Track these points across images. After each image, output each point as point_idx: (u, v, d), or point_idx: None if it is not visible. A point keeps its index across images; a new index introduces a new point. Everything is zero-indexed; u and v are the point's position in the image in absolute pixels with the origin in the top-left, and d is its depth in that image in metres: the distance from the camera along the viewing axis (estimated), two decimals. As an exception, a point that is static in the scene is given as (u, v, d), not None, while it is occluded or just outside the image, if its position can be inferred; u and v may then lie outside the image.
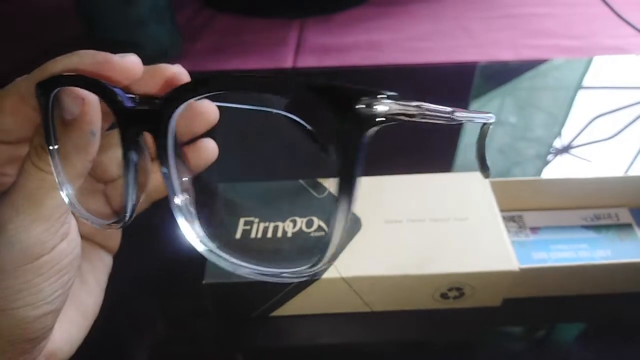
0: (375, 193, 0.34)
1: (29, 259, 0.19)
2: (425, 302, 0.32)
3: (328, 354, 0.32)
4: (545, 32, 0.56)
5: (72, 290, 0.24)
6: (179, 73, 0.22)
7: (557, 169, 0.46)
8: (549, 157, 0.47)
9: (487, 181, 0.35)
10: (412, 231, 0.32)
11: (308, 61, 0.53)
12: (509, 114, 0.50)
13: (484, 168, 0.26)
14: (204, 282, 0.30)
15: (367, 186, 0.35)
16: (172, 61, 0.52)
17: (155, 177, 0.27)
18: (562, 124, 0.50)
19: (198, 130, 0.23)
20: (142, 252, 0.35)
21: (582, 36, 0.55)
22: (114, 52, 0.21)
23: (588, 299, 0.33)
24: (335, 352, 0.32)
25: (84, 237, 0.26)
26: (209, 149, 0.26)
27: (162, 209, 0.29)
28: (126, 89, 0.22)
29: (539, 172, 0.45)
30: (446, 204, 0.33)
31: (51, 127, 0.19)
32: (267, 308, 0.32)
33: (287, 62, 0.53)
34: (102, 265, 0.27)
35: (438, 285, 0.31)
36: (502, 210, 0.37)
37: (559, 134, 0.49)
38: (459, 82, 0.51)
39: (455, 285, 0.31)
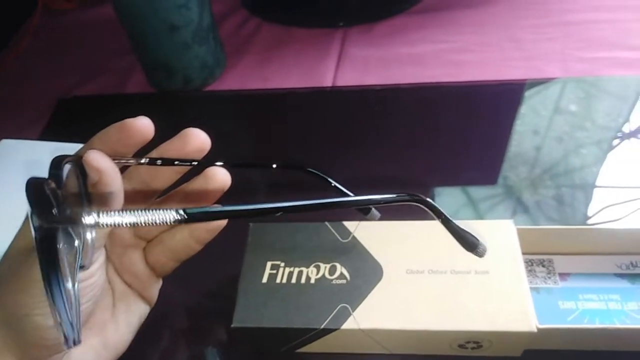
0: (399, 239, 0.35)
1: None
2: (443, 350, 0.33)
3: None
4: (601, 42, 0.52)
5: (98, 320, 0.28)
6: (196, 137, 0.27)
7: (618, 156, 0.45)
8: (613, 143, 0.46)
9: (513, 230, 0.35)
10: (432, 283, 0.33)
11: (348, 78, 0.53)
12: (569, 102, 0.49)
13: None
14: (232, 326, 0.32)
15: (392, 231, 0.35)
16: (216, 80, 0.55)
17: (180, 235, 0.29)
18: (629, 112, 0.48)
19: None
20: (173, 296, 0.38)
21: (643, 47, 0.51)
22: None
23: (616, 355, 0.33)
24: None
25: (126, 283, 0.30)
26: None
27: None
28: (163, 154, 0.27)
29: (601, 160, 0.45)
30: (469, 255, 0.33)
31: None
32: (291, 347, 0.34)
33: (327, 80, 0.53)
34: (137, 311, 0.30)
35: (455, 338, 0.32)
36: (530, 253, 0.37)
37: (625, 121, 0.47)
38: (503, 103, 0.50)
39: (473, 339, 0.32)
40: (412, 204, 0.26)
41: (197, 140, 0.27)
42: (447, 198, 0.45)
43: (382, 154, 0.47)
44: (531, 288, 0.35)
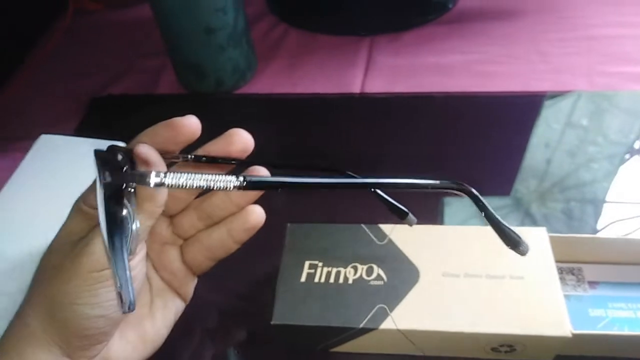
0: (434, 242, 0.36)
1: (97, 267, 0.24)
2: (477, 353, 0.34)
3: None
4: (625, 57, 0.53)
5: (137, 315, 0.29)
6: (242, 138, 0.28)
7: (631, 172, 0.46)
8: (624, 158, 0.47)
9: (546, 237, 0.35)
10: (468, 287, 0.33)
11: (377, 85, 0.54)
12: (581, 116, 0.49)
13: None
14: (272, 322, 0.33)
15: (427, 235, 0.36)
16: (247, 83, 0.55)
17: (217, 233, 0.30)
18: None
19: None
20: (211, 293, 0.39)
21: (667, 63, 0.52)
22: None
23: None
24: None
25: (163, 279, 0.31)
26: (255, 213, 0.30)
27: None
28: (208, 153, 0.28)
29: (611, 175, 0.46)
30: (504, 260, 0.34)
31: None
32: (328, 345, 0.35)
33: (356, 87, 0.54)
34: (173, 307, 0.31)
35: (490, 341, 0.33)
36: (561, 261, 0.38)
37: (637, 137, 0.48)
38: (519, 115, 0.51)
39: (507, 342, 0.32)
40: (457, 192, 0.26)
41: (241, 140, 0.28)
42: (457, 206, 0.45)
43: (404, 160, 0.48)
44: (561, 295, 0.36)
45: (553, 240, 0.36)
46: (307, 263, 0.36)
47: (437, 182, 0.26)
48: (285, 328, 0.33)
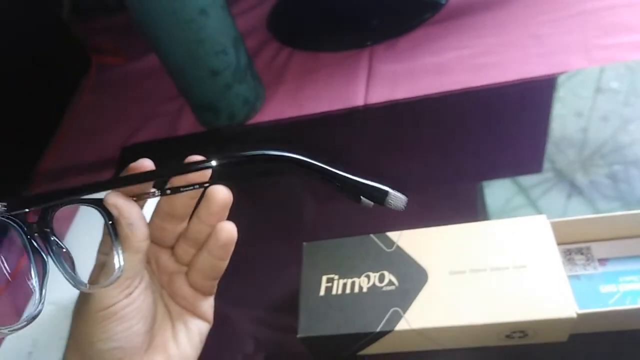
0: (439, 243, 0.38)
1: (102, 307, 0.27)
2: (492, 341, 0.36)
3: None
4: (621, 27, 0.53)
5: (160, 340, 0.32)
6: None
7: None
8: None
9: (547, 223, 0.37)
10: (474, 281, 0.35)
11: (379, 95, 0.57)
12: (609, 80, 0.49)
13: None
14: (297, 336, 0.36)
15: (431, 237, 0.38)
16: (257, 112, 0.59)
17: (201, 256, 0.32)
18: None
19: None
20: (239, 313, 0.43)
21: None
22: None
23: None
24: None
25: (179, 305, 0.34)
26: (224, 230, 0.31)
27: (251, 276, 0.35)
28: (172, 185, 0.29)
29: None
30: (506, 252, 0.36)
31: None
32: (352, 350, 0.38)
33: (359, 99, 0.57)
34: (195, 328, 0.34)
35: (502, 330, 0.34)
36: (568, 243, 0.39)
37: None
38: (529, 103, 0.52)
39: (518, 329, 0.34)
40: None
41: None
42: (498, 189, 0.46)
43: (427, 160, 0.50)
44: (572, 276, 0.38)
45: (558, 225, 0.37)
46: (324, 277, 0.39)
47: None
48: (310, 340, 0.37)
